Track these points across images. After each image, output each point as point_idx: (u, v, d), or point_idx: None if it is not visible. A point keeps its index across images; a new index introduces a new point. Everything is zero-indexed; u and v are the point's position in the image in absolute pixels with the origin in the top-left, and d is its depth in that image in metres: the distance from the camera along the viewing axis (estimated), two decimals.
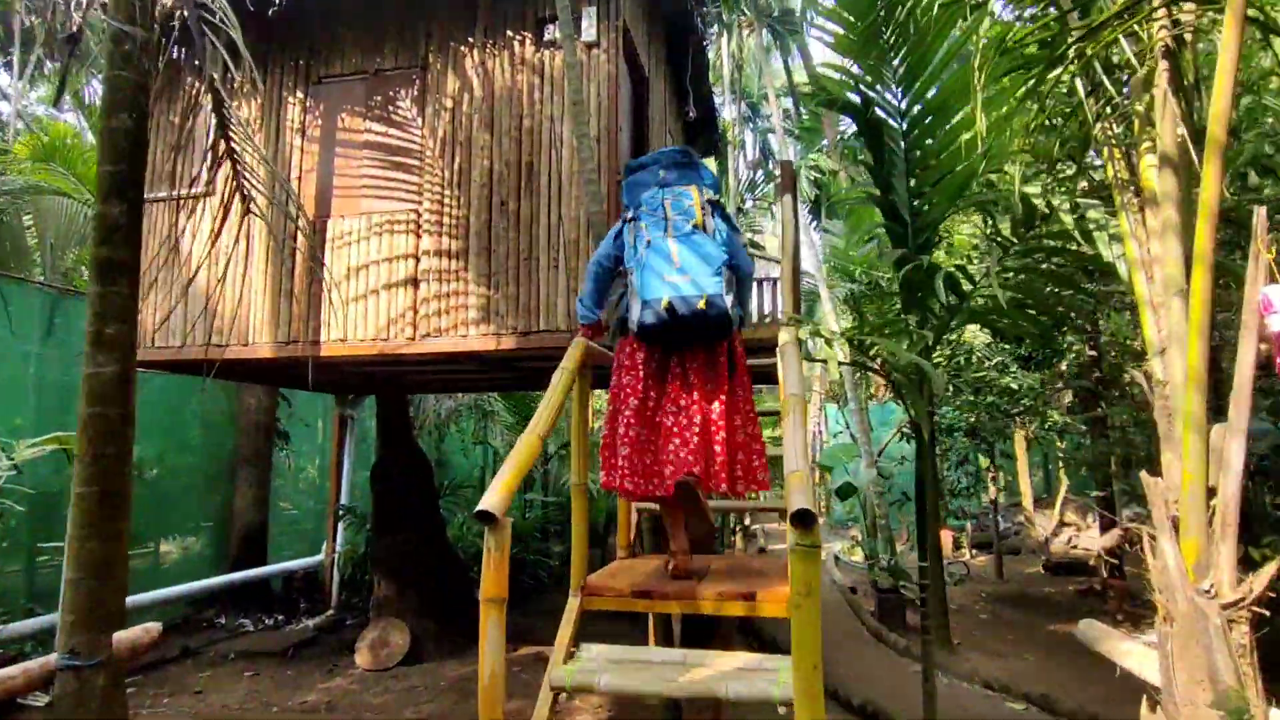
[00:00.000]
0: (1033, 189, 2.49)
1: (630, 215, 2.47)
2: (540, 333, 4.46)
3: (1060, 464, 12.55)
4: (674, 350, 2.37)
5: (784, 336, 2.22)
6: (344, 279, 4.81)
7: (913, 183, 3.29)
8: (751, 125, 20.57)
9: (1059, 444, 10.18)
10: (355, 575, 7.63)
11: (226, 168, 3.34)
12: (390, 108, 5.01)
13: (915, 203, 3.33)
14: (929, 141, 3.28)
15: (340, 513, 7.62)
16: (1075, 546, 12.39)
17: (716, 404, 2.33)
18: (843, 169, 13.54)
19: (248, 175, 3.13)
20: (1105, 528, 8.36)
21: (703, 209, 2.37)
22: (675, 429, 2.27)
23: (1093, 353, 7.98)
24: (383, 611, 6.04)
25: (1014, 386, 6.01)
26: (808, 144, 16.91)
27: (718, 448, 2.28)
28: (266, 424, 7.89)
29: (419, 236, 4.78)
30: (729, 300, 2.23)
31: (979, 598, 8.53)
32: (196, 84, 3.27)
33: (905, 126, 3.28)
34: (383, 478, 6.42)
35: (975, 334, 7.21)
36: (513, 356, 4.85)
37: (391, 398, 6.64)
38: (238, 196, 3.11)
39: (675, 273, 2.22)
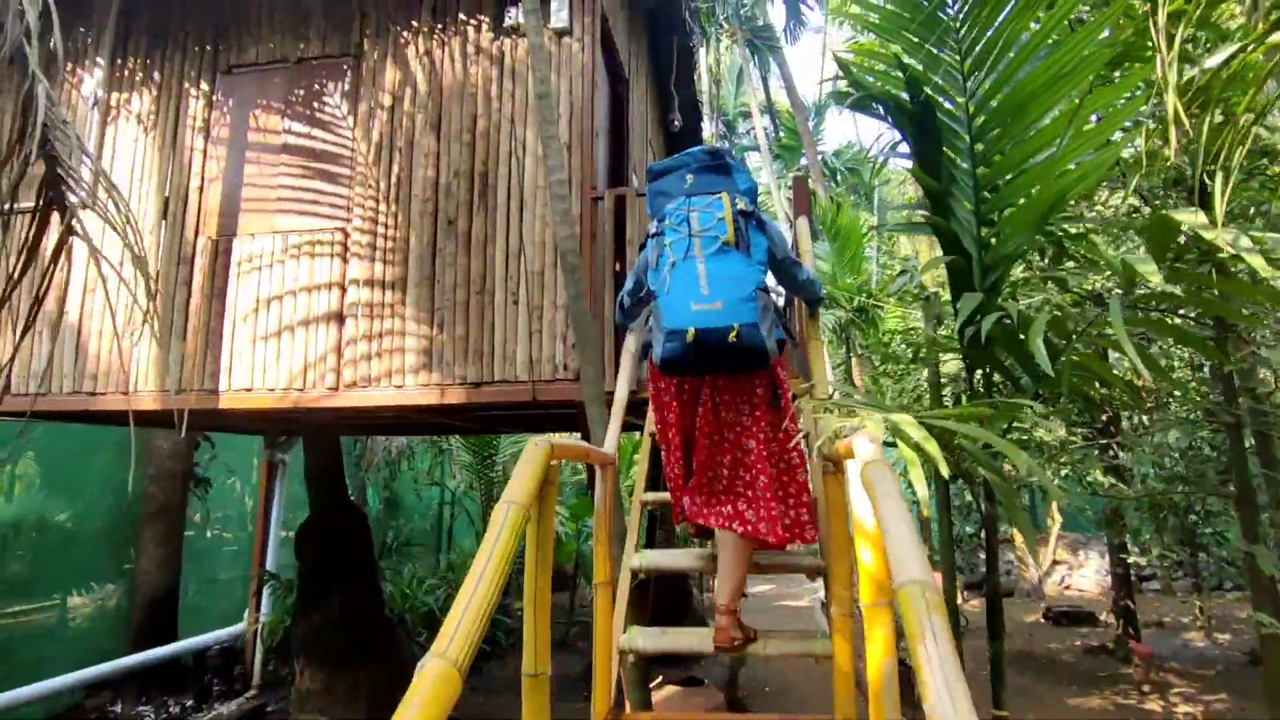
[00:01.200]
0: (1188, 216, 1.74)
1: (654, 230, 2.20)
2: (496, 384, 3.57)
3: (1052, 503, 11.99)
4: (704, 380, 2.10)
5: (865, 449, 1.35)
6: (251, 313, 3.88)
7: (982, 206, 2.52)
8: (727, 144, 20.07)
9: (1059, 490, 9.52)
10: (284, 644, 6.57)
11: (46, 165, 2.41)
12: (315, 104, 4.11)
13: (983, 231, 2.56)
14: (999, 155, 2.51)
15: (265, 577, 6.56)
16: (1068, 586, 11.93)
17: (753, 443, 2.08)
18: (824, 188, 12.96)
19: (64, 164, 2.21)
20: (1117, 581, 7.71)
21: (735, 222, 2.05)
22: (707, 475, 2.09)
23: (1104, 390, 7.36)
24: (306, 706, 5.03)
25: (1046, 440, 5.28)
26: (787, 163, 16.44)
27: (764, 493, 2.05)
28: (181, 470, 6.80)
29: (346, 261, 3.87)
30: (765, 328, 1.96)
31: (983, 658, 7.76)
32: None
33: (972, 133, 2.51)
34: (309, 542, 5.42)
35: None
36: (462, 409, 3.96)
37: (319, 442, 5.65)
38: (58, 201, 2.18)
39: (703, 299, 1.95)
